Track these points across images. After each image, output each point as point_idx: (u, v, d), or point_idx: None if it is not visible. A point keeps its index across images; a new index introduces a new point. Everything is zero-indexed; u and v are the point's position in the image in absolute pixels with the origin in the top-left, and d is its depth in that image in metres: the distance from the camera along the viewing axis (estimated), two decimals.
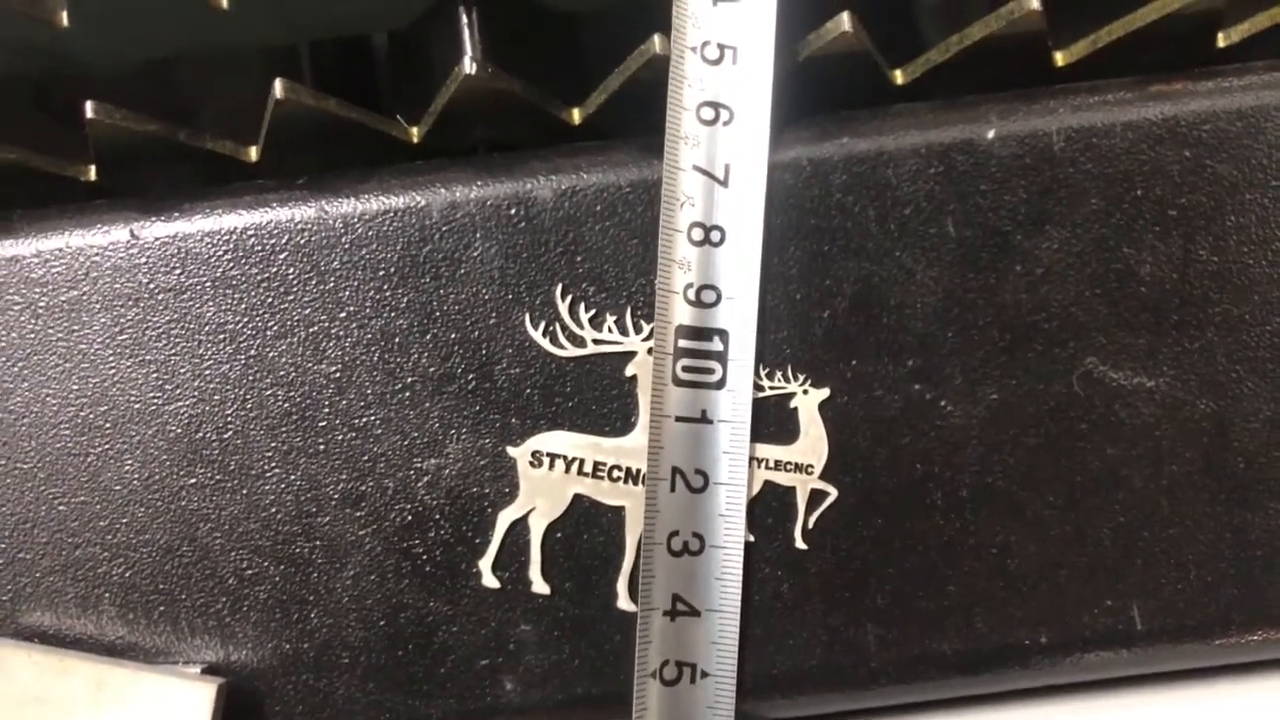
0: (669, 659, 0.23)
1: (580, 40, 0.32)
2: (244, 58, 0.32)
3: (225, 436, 0.24)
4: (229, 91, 0.33)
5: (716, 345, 0.24)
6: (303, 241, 0.24)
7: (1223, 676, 0.25)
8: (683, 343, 0.23)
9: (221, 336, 0.24)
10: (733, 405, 0.23)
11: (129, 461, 0.24)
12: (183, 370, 0.24)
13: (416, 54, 0.30)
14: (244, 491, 0.24)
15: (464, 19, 0.28)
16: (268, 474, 0.24)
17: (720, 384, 0.24)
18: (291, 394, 0.24)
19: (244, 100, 0.32)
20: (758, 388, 0.24)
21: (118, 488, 0.24)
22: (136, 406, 0.24)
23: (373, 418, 0.24)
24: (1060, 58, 0.26)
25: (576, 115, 0.26)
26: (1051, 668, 0.24)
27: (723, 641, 0.23)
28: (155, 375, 0.24)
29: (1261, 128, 0.24)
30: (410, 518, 0.24)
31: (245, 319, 0.24)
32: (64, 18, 0.28)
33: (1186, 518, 0.24)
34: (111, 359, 0.24)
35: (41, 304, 0.24)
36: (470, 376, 0.24)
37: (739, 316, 0.24)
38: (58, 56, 0.29)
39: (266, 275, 0.24)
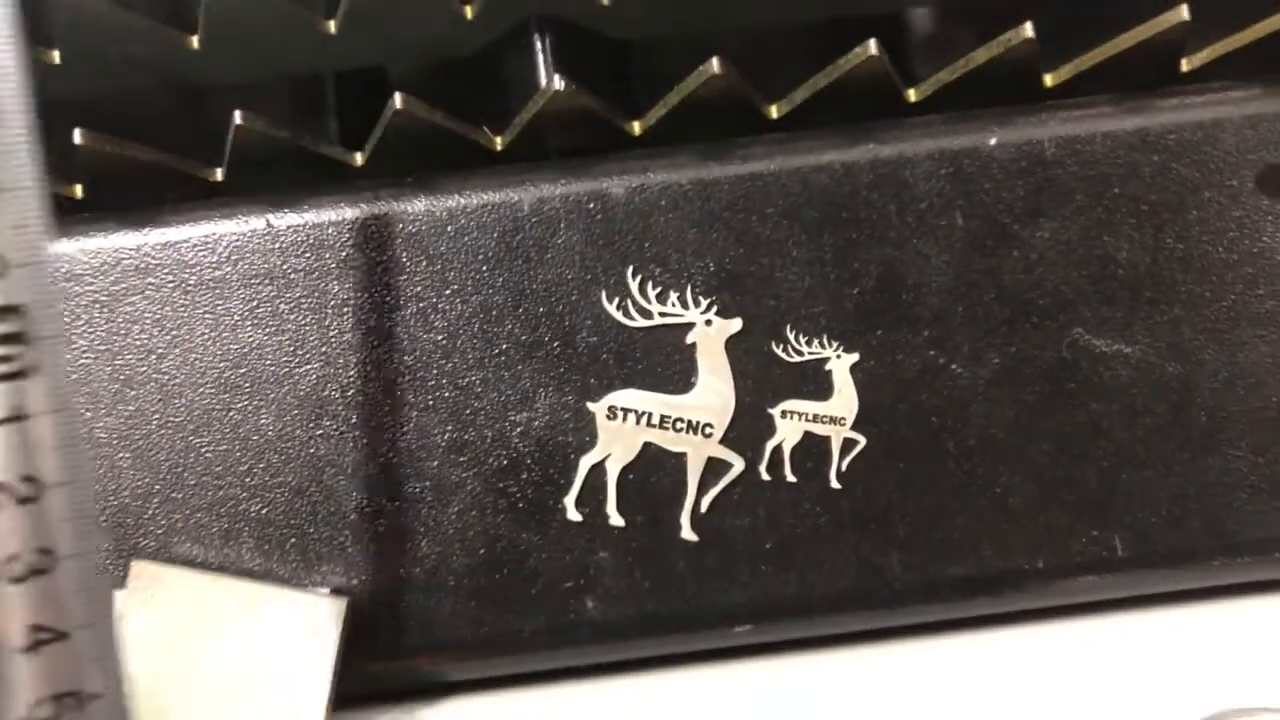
0: (43, 696, 0.19)
1: (630, 62, 0.37)
2: (341, 76, 0.36)
3: (348, 394, 0.28)
4: (322, 106, 0.37)
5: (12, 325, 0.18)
6: (413, 230, 0.29)
7: (1190, 600, 0.29)
8: None
9: (345, 310, 0.28)
10: (48, 391, 0.18)
11: (265, 416, 0.28)
12: (311, 338, 0.28)
13: (492, 73, 0.35)
14: (364, 440, 0.28)
15: (538, 43, 0.33)
16: (384, 425, 0.28)
17: (25, 373, 0.18)
18: (404, 358, 0.28)
19: (345, 113, 0.37)
20: (796, 353, 0.28)
21: (255, 438, 0.28)
22: (271, 369, 0.28)
23: (473, 378, 0.28)
24: (1049, 78, 0.30)
25: (637, 127, 0.31)
26: (1047, 590, 0.29)
27: (106, 656, 0.19)
28: (287, 342, 0.28)
29: (1218, 137, 0.29)
30: (505, 462, 0.28)
31: (365, 295, 0.28)
32: (195, 41, 0.32)
33: (1158, 462, 0.28)
34: (250, 329, 0.28)
35: (190, 282, 0.29)
36: (555, 343, 0.28)
37: (32, 285, 0.18)
38: (189, 75, 0.33)
39: (383, 258, 0.28)
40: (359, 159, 0.31)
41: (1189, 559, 0.29)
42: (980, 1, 0.35)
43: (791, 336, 0.28)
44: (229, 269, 0.29)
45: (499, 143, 0.31)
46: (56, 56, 0.31)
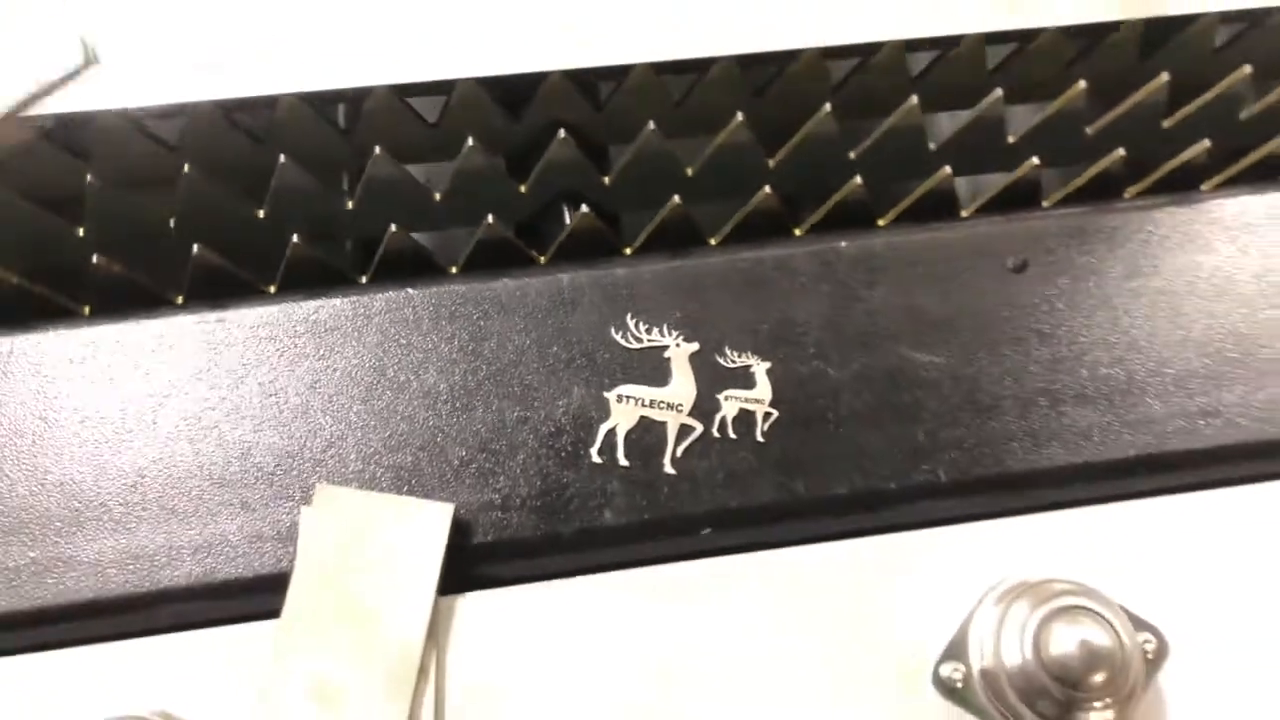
0: None
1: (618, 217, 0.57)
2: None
3: (454, 394, 0.45)
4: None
5: None
6: (506, 305, 0.47)
7: (987, 518, 0.45)
8: None
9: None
10: None
11: (418, 412, 0.45)
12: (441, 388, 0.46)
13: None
14: (464, 420, 0.44)
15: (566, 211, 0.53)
16: (477, 412, 0.45)
17: None
18: (491, 368, 0.45)
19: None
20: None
21: (404, 426, 0.45)
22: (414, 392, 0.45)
23: (533, 380, 0.45)
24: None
25: (628, 250, 0.50)
26: (897, 508, 0.44)
27: None
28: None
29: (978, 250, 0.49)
30: (553, 429, 0.44)
31: (459, 364, 0.46)
32: (349, 203, 0.52)
33: (960, 425, 0.45)
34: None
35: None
36: (583, 359, 0.46)
37: None
38: (345, 228, 0.52)
39: (472, 331, 0.46)
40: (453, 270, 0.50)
41: (985, 488, 0.45)
42: None
43: (729, 353, 0.46)
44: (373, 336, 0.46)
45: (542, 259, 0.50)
46: None
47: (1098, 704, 0.39)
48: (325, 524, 0.42)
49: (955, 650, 0.41)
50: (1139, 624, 0.41)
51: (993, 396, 0.46)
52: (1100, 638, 0.39)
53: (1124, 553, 0.44)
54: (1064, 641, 0.39)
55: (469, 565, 0.42)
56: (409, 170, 0.51)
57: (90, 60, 0.49)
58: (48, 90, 0.48)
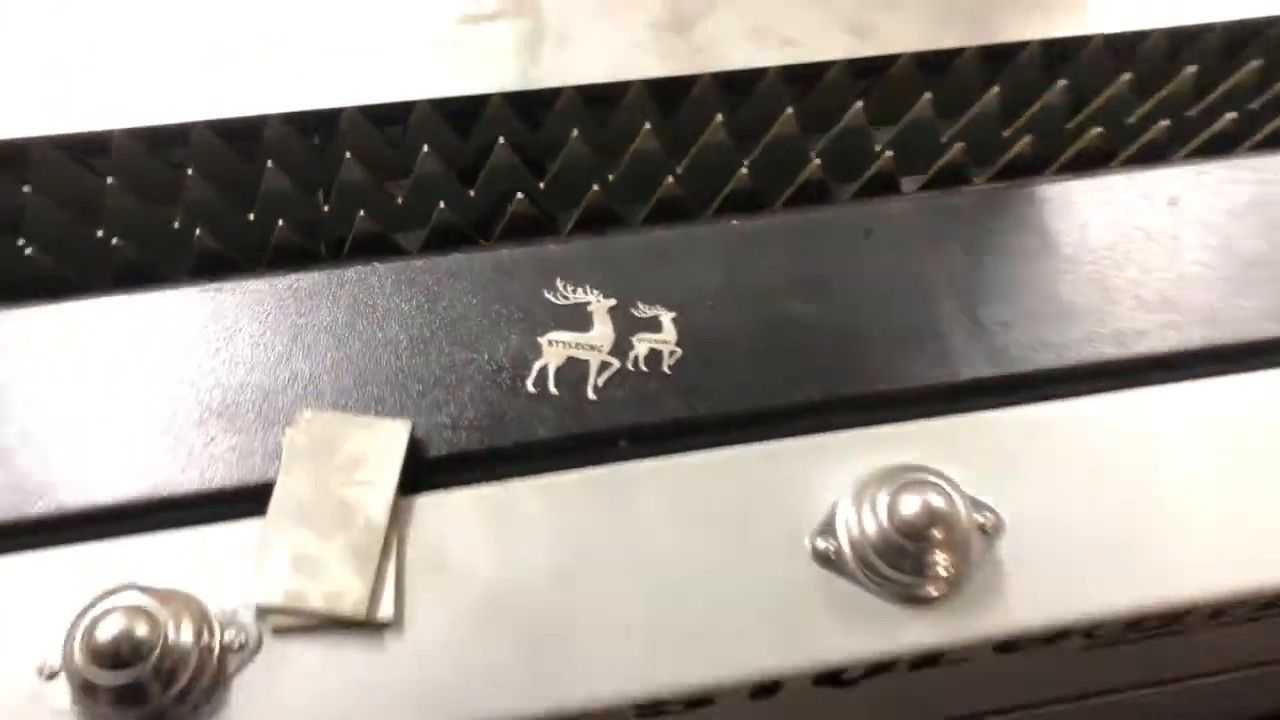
0: None
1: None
2: None
3: (414, 343, 0.54)
4: None
5: None
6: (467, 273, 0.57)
7: (861, 425, 0.54)
8: None
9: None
10: None
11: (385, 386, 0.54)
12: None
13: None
14: (421, 362, 0.54)
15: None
16: (432, 354, 0.54)
17: None
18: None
19: None
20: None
21: (370, 367, 0.54)
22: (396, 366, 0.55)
23: (477, 329, 0.55)
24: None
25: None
26: (773, 424, 0.54)
27: None
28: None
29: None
30: (495, 367, 0.54)
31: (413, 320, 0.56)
32: (324, 208, 0.62)
33: (840, 352, 0.55)
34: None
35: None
36: (520, 314, 0.55)
37: None
38: (322, 231, 0.62)
39: (428, 294, 0.56)
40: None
41: (852, 404, 0.54)
42: None
43: (641, 306, 0.56)
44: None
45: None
46: None
47: (941, 559, 0.48)
48: (305, 439, 0.51)
49: (827, 528, 0.50)
50: (978, 505, 0.51)
51: (858, 335, 0.56)
52: (939, 501, 0.48)
53: (969, 453, 0.53)
54: (910, 505, 0.48)
55: (425, 473, 0.51)
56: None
57: None
58: None
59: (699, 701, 0.48)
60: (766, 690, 0.48)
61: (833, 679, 0.49)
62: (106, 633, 0.43)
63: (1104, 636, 0.51)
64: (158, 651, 0.43)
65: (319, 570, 0.47)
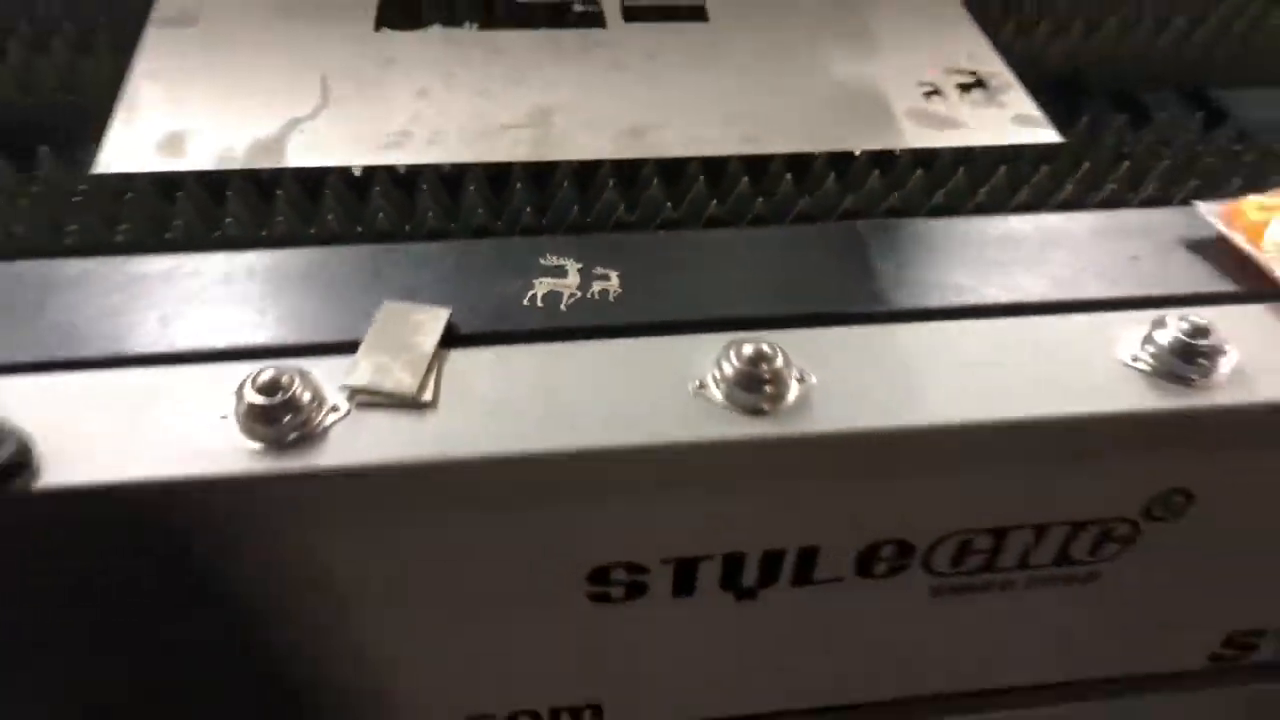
0: None
1: None
2: None
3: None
4: None
5: None
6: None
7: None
8: None
9: None
10: None
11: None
12: None
13: None
14: (449, 288, 0.87)
15: None
16: (458, 287, 0.87)
17: None
18: None
19: None
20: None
21: (422, 293, 0.87)
22: None
23: (505, 278, 0.88)
24: None
25: None
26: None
27: None
28: None
29: None
30: (510, 293, 0.87)
31: None
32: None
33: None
34: None
35: None
36: (525, 270, 0.89)
37: None
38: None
39: (452, 260, 0.90)
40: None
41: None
42: None
43: (599, 268, 0.89)
44: None
45: None
46: None
47: (768, 388, 0.79)
48: (387, 314, 0.83)
49: (699, 371, 0.81)
50: (799, 368, 0.82)
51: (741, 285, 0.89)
52: (766, 349, 0.79)
53: (801, 343, 0.84)
54: (746, 349, 0.79)
55: (456, 342, 0.83)
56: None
57: None
58: None
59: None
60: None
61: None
62: (265, 376, 0.74)
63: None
64: (289, 394, 0.74)
65: (388, 372, 0.78)
